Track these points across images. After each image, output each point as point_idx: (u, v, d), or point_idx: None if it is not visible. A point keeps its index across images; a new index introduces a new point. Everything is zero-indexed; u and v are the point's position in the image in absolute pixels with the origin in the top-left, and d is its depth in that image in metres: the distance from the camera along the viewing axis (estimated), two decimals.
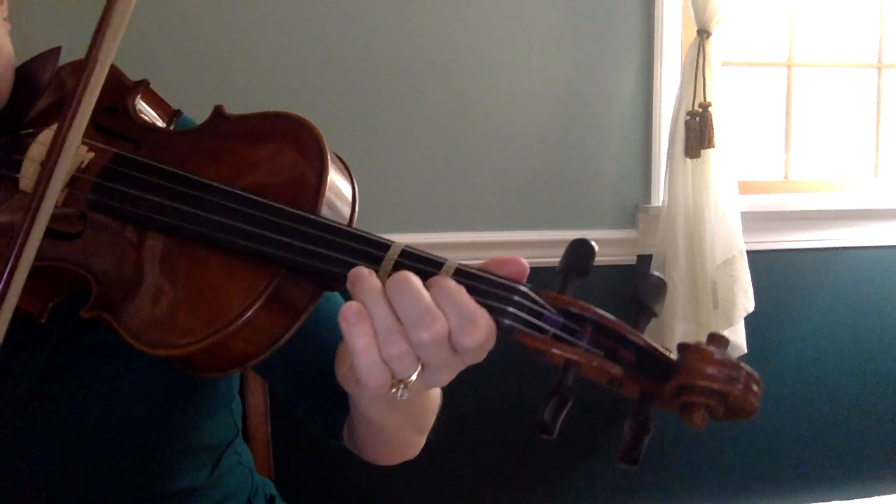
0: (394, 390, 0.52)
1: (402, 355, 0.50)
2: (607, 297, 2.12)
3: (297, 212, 0.58)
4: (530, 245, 2.07)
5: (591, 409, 1.76)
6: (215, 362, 0.60)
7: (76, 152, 0.67)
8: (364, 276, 0.52)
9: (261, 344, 0.59)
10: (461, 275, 0.53)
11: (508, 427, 2.16)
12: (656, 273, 0.53)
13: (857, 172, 2.47)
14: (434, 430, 0.78)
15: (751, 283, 2.07)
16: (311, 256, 0.56)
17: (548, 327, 0.51)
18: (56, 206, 0.65)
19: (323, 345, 0.78)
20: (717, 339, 0.50)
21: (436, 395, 0.73)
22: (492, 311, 0.51)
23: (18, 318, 0.66)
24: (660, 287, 0.52)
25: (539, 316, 0.51)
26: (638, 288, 0.52)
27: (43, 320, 0.69)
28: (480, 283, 0.52)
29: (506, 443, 2.17)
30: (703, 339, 0.50)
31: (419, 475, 2.10)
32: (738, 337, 2.10)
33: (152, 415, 0.81)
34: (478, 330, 0.49)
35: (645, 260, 2.12)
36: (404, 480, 2.10)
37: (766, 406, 2.05)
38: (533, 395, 2.13)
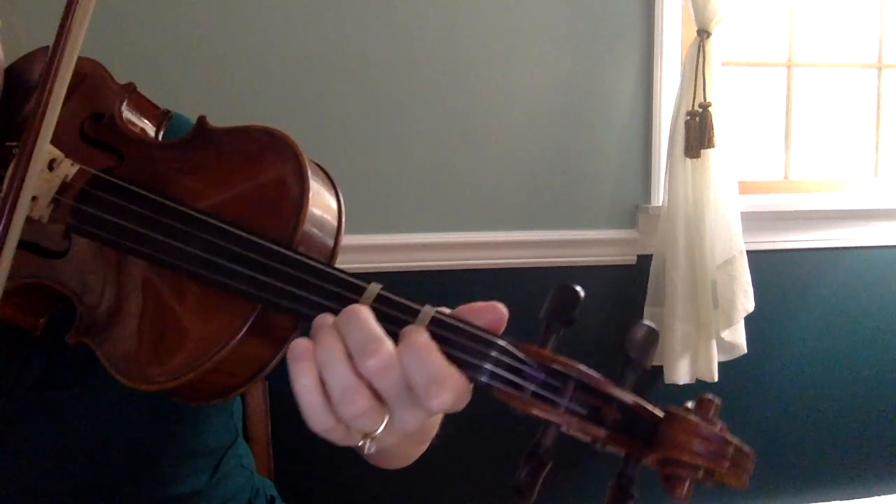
0: (360, 443, 0.51)
1: (360, 413, 0.48)
2: (607, 296, 2.13)
3: (276, 249, 0.56)
4: (530, 245, 2.07)
5: None
6: (198, 394, 0.59)
7: (60, 167, 0.65)
8: (321, 325, 0.51)
9: (243, 375, 0.58)
10: (437, 325, 0.50)
11: (508, 427, 2.16)
12: (647, 323, 0.49)
13: (857, 172, 2.47)
14: (437, 436, 0.77)
15: (751, 283, 2.07)
16: (284, 296, 0.54)
17: (526, 385, 0.48)
18: (42, 222, 0.64)
19: None
20: (705, 406, 0.47)
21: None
22: (467, 367, 0.48)
23: (13, 329, 0.65)
24: (650, 339, 0.49)
25: (518, 372, 0.48)
26: (627, 341, 0.48)
27: (38, 334, 0.68)
28: (456, 336, 0.49)
29: (506, 442, 2.17)
30: (701, 339, 0.49)
31: (419, 475, 2.10)
32: (737, 337, 2.10)
33: (151, 421, 0.81)
34: (443, 392, 0.47)
35: (645, 260, 2.12)
36: (404, 481, 2.10)
37: (766, 406, 2.04)
38: None
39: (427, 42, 2.02)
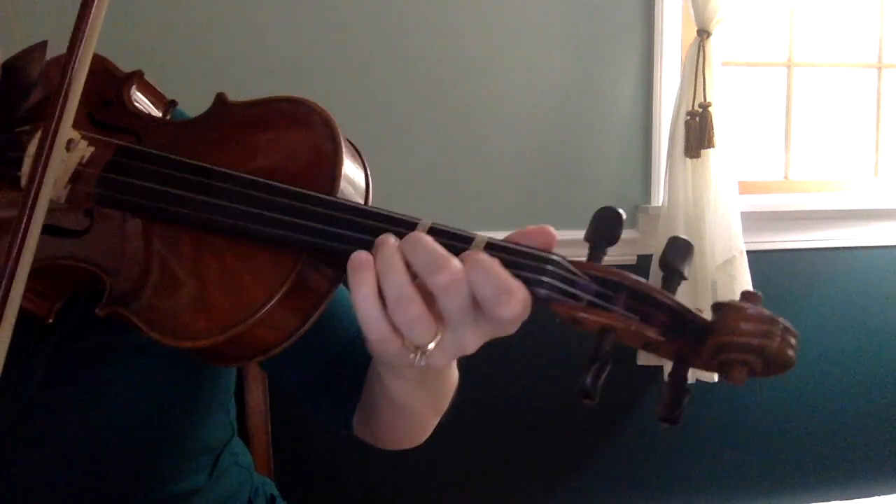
0: (411, 356, 0.52)
1: (415, 319, 0.50)
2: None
3: (318, 195, 0.57)
4: None
5: (594, 407, 1.76)
6: (239, 351, 0.59)
7: (77, 147, 0.65)
8: (384, 241, 0.53)
9: (285, 331, 0.58)
10: (493, 248, 0.53)
11: (508, 426, 2.16)
12: (683, 236, 0.54)
13: (857, 172, 2.47)
14: (440, 422, 0.78)
15: (751, 283, 2.07)
16: (335, 239, 0.55)
17: (582, 295, 0.52)
18: (59, 203, 0.64)
19: (332, 334, 0.78)
20: (751, 296, 0.51)
21: (455, 376, 0.73)
22: (527, 282, 0.51)
23: (23, 319, 0.65)
24: (687, 249, 0.54)
25: (573, 284, 0.52)
26: (666, 252, 0.53)
27: (50, 320, 0.68)
28: (513, 256, 0.52)
29: (506, 443, 2.17)
30: None
31: (418, 474, 2.10)
32: None
33: (152, 418, 0.81)
34: (515, 301, 0.50)
35: (645, 260, 2.12)
36: (404, 480, 2.11)
37: (766, 406, 2.04)
38: (533, 393, 2.13)
39: (427, 42, 2.02)
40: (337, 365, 0.82)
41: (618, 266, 0.54)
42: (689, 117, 2.04)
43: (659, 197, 2.15)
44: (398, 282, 0.50)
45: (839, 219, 2.31)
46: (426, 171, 2.05)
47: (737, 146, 2.16)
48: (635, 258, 2.14)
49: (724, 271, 2.07)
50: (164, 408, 0.82)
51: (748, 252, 2.08)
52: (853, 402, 2.38)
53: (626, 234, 2.13)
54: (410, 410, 0.73)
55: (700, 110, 2.03)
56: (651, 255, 2.11)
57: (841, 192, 2.39)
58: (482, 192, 2.08)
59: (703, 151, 2.04)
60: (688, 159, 2.05)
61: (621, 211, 0.55)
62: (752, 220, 2.16)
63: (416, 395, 0.67)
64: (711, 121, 2.03)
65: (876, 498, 2.44)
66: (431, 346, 0.52)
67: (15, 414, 0.76)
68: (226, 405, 0.94)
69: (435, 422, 0.79)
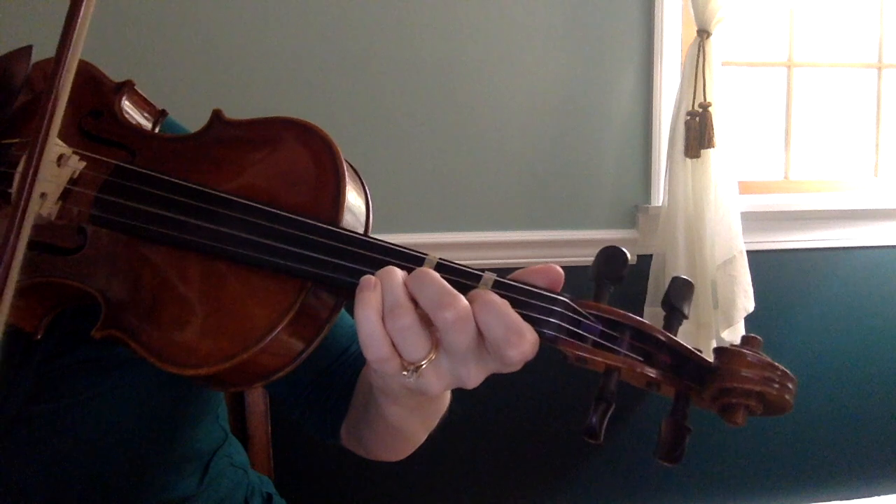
0: (404, 373, 0.52)
1: (405, 329, 0.50)
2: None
3: (325, 225, 0.57)
4: (531, 245, 2.07)
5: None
6: (243, 378, 0.58)
7: (68, 163, 0.63)
8: (390, 269, 0.53)
9: (287, 357, 0.58)
10: (500, 287, 0.53)
11: (507, 427, 2.16)
12: (683, 276, 0.56)
13: (857, 172, 2.47)
14: (434, 430, 0.79)
15: (751, 283, 2.07)
16: (341, 271, 0.55)
17: (588, 335, 0.53)
18: (49, 220, 0.62)
19: (323, 347, 0.78)
20: (752, 342, 0.53)
21: (447, 397, 0.73)
22: (534, 322, 0.52)
23: (10, 333, 0.64)
24: (688, 289, 0.56)
25: (579, 325, 0.53)
26: (668, 293, 0.55)
27: (39, 336, 0.66)
28: (522, 296, 0.53)
29: (505, 443, 2.17)
30: (702, 339, 0.52)
31: (418, 475, 2.10)
32: (737, 337, 2.09)
33: (141, 429, 0.80)
34: (525, 342, 0.50)
35: (645, 260, 2.12)
36: (403, 480, 2.10)
37: None
38: (530, 395, 2.13)
39: (427, 42, 2.02)
40: (326, 377, 0.82)
41: None
42: (689, 117, 2.03)
43: (659, 197, 2.15)
44: (396, 294, 0.51)
45: (839, 219, 2.31)
46: (426, 172, 2.05)
47: (737, 146, 2.16)
48: (635, 258, 2.14)
49: (724, 271, 2.06)
50: (152, 418, 0.81)
51: (748, 252, 2.08)
52: (853, 402, 2.38)
53: (626, 234, 2.15)
54: (404, 431, 0.73)
55: (700, 110, 2.03)
56: (651, 256, 2.11)
57: (841, 192, 2.39)
58: (483, 192, 2.08)
59: (703, 151, 2.04)
60: (688, 159, 2.05)
61: (625, 250, 0.56)
62: (752, 220, 2.16)
63: (412, 418, 0.67)
64: (711, 121, 2.03)
65: (876, 498, 2.44)
66: (424, 363, 0.52)
67: (2, 428, 0.75)
68: (215, 411, 0.93)
69: (424, 437, 0.79)
